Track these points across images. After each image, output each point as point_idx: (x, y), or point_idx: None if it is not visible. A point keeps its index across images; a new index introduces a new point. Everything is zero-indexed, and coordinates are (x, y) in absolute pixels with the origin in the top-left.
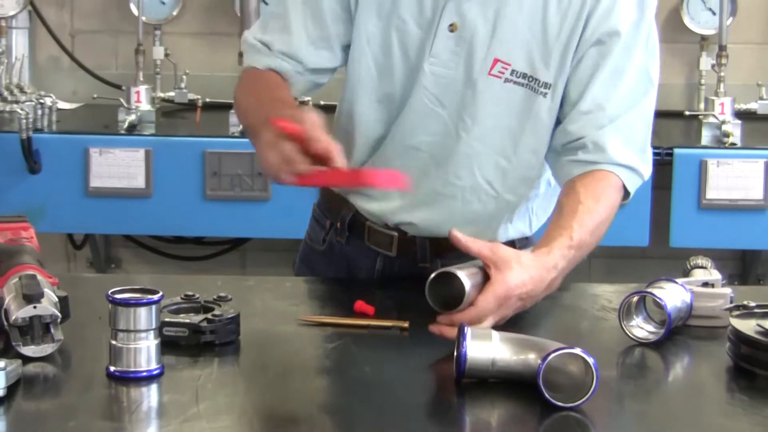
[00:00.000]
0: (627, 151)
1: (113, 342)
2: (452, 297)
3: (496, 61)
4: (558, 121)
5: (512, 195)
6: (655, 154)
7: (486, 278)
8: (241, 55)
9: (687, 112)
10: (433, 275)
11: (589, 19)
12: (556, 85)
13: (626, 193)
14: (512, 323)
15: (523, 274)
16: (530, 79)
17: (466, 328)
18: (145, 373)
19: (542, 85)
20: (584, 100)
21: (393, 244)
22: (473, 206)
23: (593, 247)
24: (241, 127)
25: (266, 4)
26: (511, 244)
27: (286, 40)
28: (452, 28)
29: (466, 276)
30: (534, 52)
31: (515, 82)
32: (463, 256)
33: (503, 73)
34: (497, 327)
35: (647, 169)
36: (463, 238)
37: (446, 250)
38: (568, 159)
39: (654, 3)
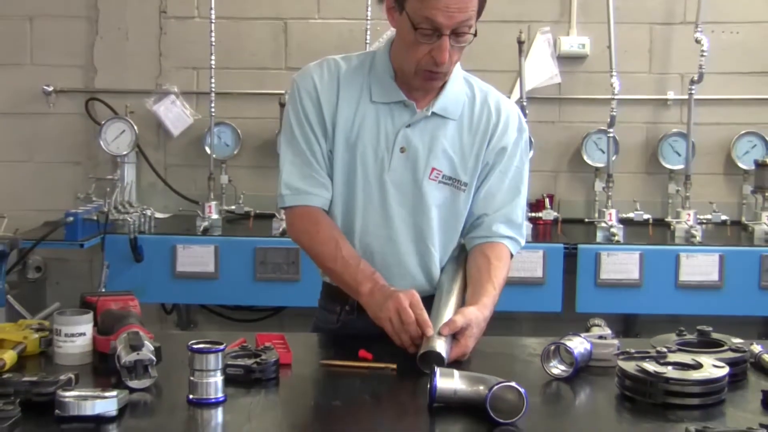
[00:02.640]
0: (509, 229)
1: (191, 378)
2: (438, 359)
3: (432, 169)
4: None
5: (443, 257)
6: (564, 248)
7: (451, 340)
8: None
9: (586, 220)
10: (418, 356)
11: (491, 138)
12: (471, 183)
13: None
14: (468, 366)
15: (472, 310)
16: (454, 180)
17: (436, 369)
18: (213, 400)
19: (462, 183)
20: (481, 191)
21: None
22: (430, 264)
23: (501, 291)
24: (281, 230)
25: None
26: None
27: (321, 182)
28: (402, 150)
29: (441, 345)
30: (456, 162)
31: (444, 183)
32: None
33: (437, 177)
34: (462, 365)
35: (523, 240)
36: (450, 330)
37: (428, 308)
38: (473, 235)
39: (526, 127)
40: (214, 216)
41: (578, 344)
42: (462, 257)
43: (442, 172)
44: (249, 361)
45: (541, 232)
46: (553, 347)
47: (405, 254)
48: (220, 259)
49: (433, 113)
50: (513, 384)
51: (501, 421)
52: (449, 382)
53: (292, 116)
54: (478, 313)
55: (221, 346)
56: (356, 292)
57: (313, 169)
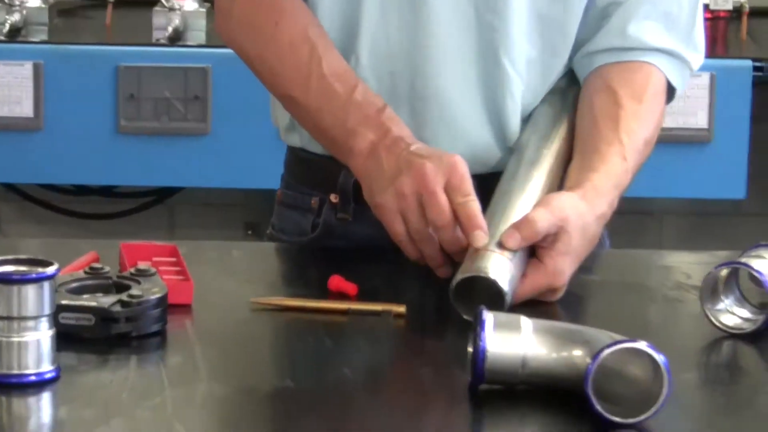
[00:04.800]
0: (667, 34)
1: None
2: (492, 294)
3: None
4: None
5: (534, 92)
6: (754, 67)
7: (524, 259)
8: None
9: None
10: (453, 287)
11: None
12: None
13: (670, 90)
14: (549, 306)
15: (571, 200)
16: None
17: (484, 313)
18: (34, 378)
19: None
20: None
21: None
22: (505, 101)
23: (640, 168)
24: (173, 29)
25: None
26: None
27: None
28: None
29: (500, 268)
30: None
31: None
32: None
33: None
34: (542, 309)
35: (696, 57)
36: (523, 238)
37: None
38: (592, 48)
39: None
40: (34, 2)
41: None
42: (570, 96)
43: None
44: (106, 300)
45: (708, 36)
46: (725, 272)
47: (455, 79)
48: (46, 90)
49: None
50: (642, 346)
51: (617, 419)
52: (513, 342)
53: None
54: (582, 206)
55: (50, 269)
56: (344, 148)
57: None
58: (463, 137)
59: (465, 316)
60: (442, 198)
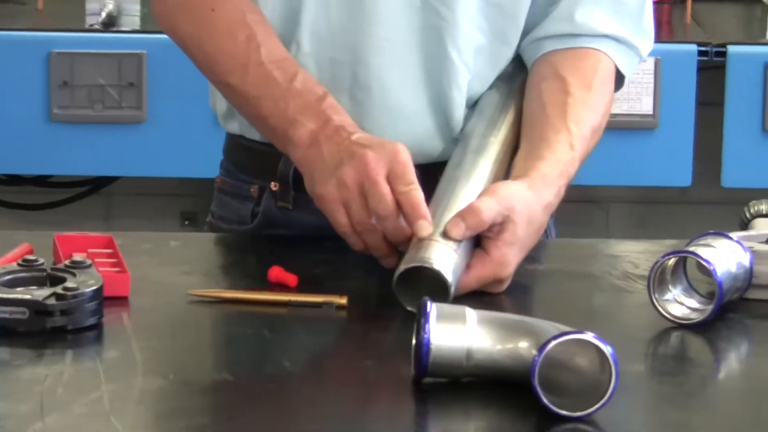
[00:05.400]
0: (614, 20)
1: None
2: (436, 285)
3: None
4: None
5: (482, 80)
6: (699, 51)
7: (469, 249)
8: None
9: None
10: (396, 278)
11: None
12: None
13: (619, 77)
14: (494, 297)
15: (518, 189)
16: None
17: (428, 304)
18: None
19: None
20: None
21: None
22: (451, 92)
23: (587, 156)
24: (106, 14)
25: None
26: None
27: None
28: None
29: (444, 258)
30: None
31: None
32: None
33: None
34: (487, 300)
35: (645, 44)
36: (468, 227)
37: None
38: (539, 34)
39: None
40: None
41: (724, 254)
42: (517, 82)
43: None
44: (40, 293)
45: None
46: (672, 261)
47: (398, 68)
48: None
49: None
50: (588, 337)
51: (564, 413)
52: (457, 334)
53: None
54: (529, 196)
55: None
56: (284, 138)
57: None
58: (405, 127)
59: (409, 308)
60: (385, 187)
